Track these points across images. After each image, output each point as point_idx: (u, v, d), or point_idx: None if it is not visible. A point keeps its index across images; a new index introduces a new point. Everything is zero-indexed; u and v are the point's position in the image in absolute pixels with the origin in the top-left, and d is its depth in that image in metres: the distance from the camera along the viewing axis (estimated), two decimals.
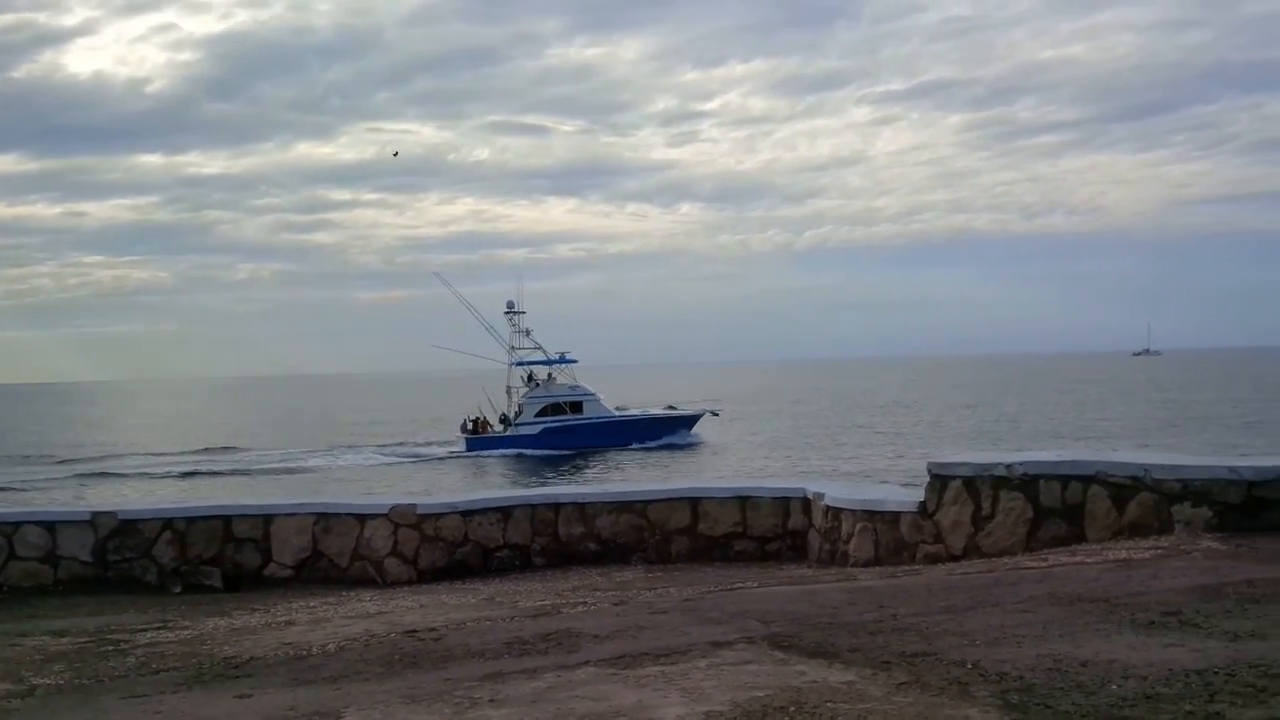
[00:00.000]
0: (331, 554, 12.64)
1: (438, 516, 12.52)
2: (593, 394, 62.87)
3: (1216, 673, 5.42)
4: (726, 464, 54.25)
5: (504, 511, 12.70)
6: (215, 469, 60.26)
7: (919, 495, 11.16)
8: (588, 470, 54.05)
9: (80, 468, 62.02)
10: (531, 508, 12.80)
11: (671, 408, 68.77)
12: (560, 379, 63.73)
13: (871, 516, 11.40)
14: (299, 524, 12.72)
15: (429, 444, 67.54)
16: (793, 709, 5.15)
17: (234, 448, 72.81)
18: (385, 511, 12.60)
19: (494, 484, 49.21)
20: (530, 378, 63.75)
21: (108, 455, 70.44)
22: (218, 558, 12.73)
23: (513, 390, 63.57)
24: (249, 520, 12.84)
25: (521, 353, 63.47)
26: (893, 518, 11.23)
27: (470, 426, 62.94)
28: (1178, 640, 6.09)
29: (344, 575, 12.48)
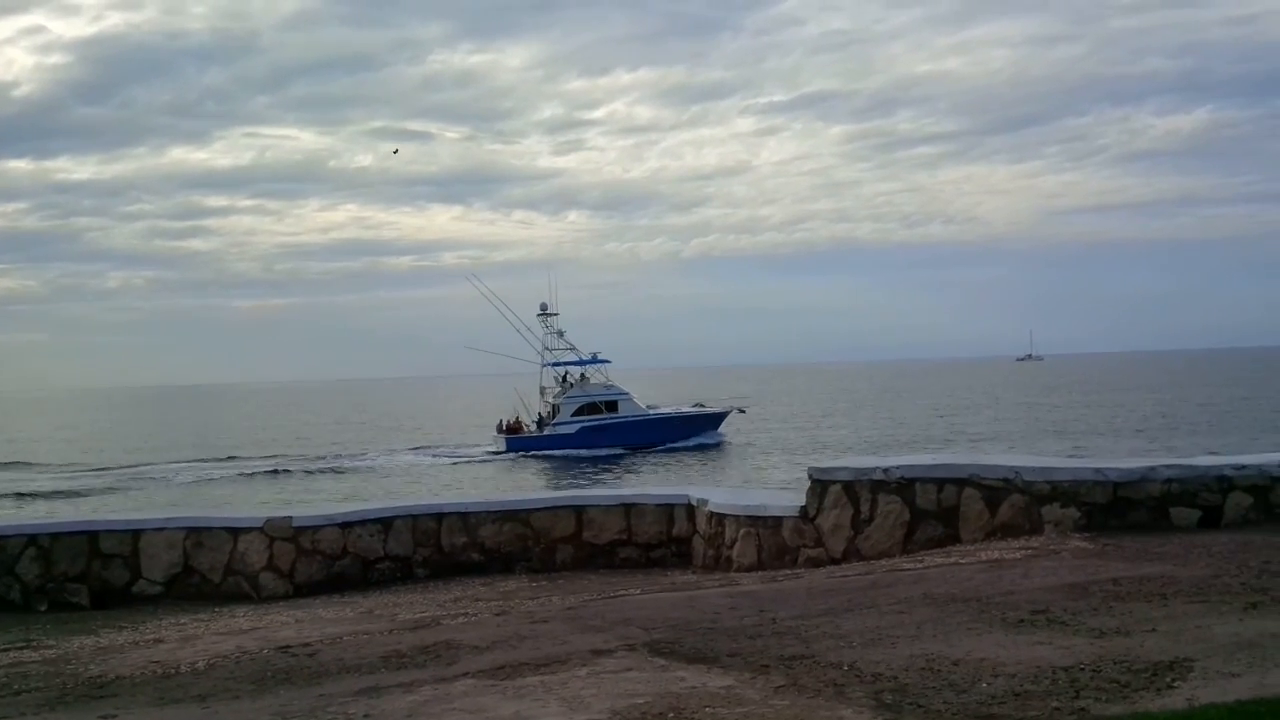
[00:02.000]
0: (203, 569, 12.24)
1: (315, 529, 12.21)
2: (626, 393, 63.09)
3: (1083, 669, 5.57)
4: (767, 461, 54.45)
5: (384, 523, 12.45)
6: (290, 468, 59.27)
7: (801, 500, 11.29)
8: (630, 468, 54.13)
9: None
10: (413, 518, 12.57)
11: (700, 405, 69.30)
12: (594, 379, 63.93)
13: (754, 522, 11.49)
14: (168, 539, 12.29)
15: (474, 445, 66.95)
16: (671, 715, 5.14)
17: (236, 456, 71.05)
18: (259, 525, 12.25)
19: (533, 483, 49.12)
20: (564, 378, 64.08)
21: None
22: (84, 574, 12.23)
23: (546, 390, 63.72)
24: (116, 536, 12.36)
25: (557, 353, 63.64)
26: (775, 522, 11.33)
27: (505, 427, 63.37)
28: (1046, 638, 6.26)
29: (217, 591, 12.10)
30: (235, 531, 12.29)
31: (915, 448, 55.01)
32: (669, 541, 12.61)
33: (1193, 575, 7.67)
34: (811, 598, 7.91)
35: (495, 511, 12.67)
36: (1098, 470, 10.02)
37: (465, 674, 6.18)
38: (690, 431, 63.33)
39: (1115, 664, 5.62)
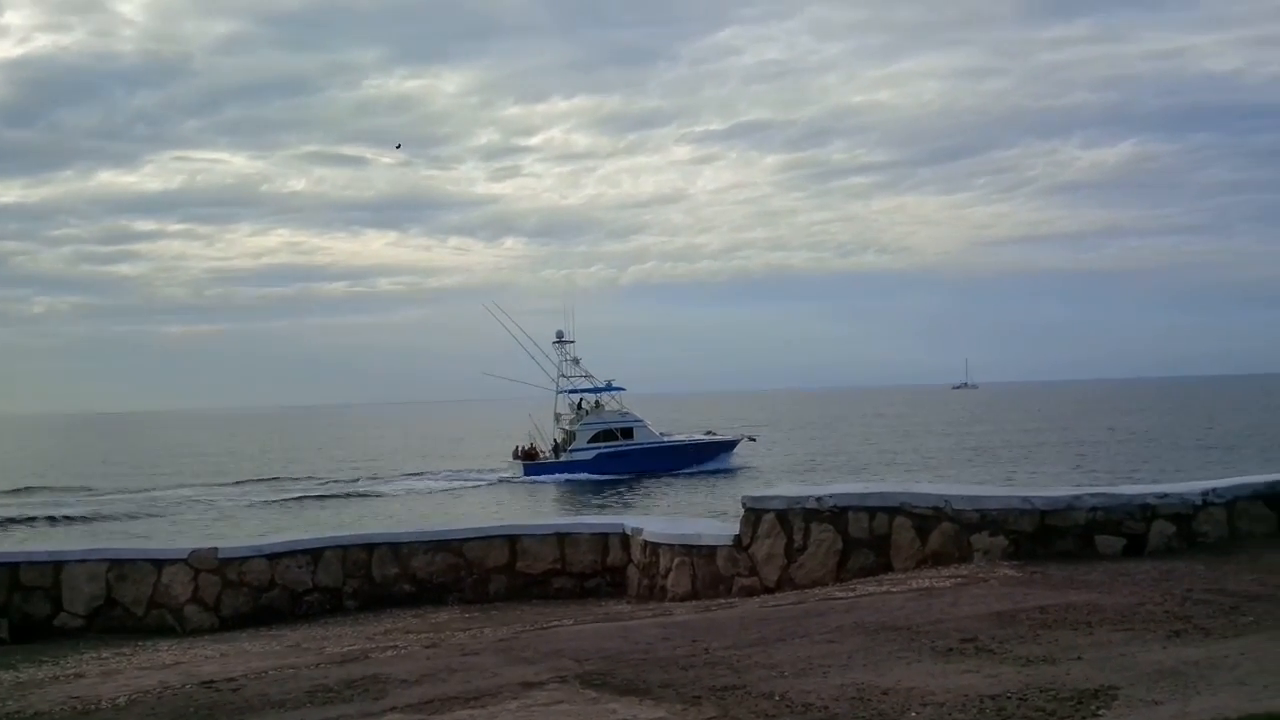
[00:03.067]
0: (126, 602, 11.94)
1: (241, 560, 11.99)
2: (641, 420, 64.09)
3: (1009, 697, 5.63)
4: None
5: (313, 553, 12.25)
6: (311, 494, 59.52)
7: (735, 529, 11.31)
8: (643, 495, 54.05)
9: None
10: (343, 549, 12.39)
11: (710, 433, 70.50)
12: (609, 406, 65.10)
13: (689, 551, 11.49)
14: (90, 571, 11.98)
15: (491, 470, 67.40)
16: None
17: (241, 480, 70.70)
18: (184, 557, 12.00)
19: (546, 510, 49.05)
20: (579, 404, 64.91)
21: None
22: (5, 607, 11.86)
23: (561, 417, 64.50)
24: (37, 568, 12.02)
25: (574, 380, 64.66)
26: (709, 551, 11.34)
27: (521, 453, 63.87)
28: (974, 666, 6.31)
29: (141, 624, 11.81)
30: (159, 563, 12.02)
31: (867, 474, 55.66)
32: (604, 571, 12.56)
33: (1117, 603, 7.79)
34: (744, 627, 7.91)
35: (427, 541, 12.53)
36: (1025, 499, 10.16)
37: (393, 708, 6.08)
38: (703, 458, 64.27)
39: (1041, 692, 5.68)
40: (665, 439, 65.02)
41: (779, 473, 62.79)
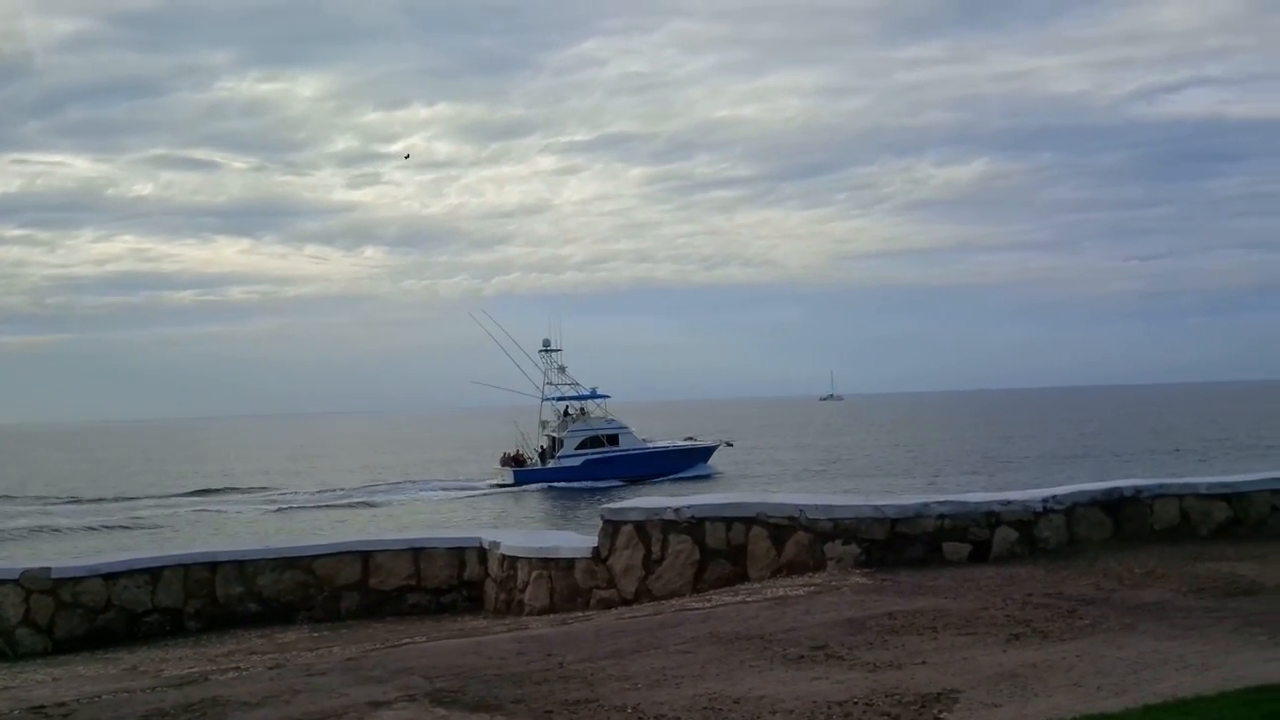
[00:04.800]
0: None
1: (76, 580, 11.38)
2: (627, 427, 65.14)
3: (856, 703, 5.70)
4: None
5: (152, 573, 11.70)
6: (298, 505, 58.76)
7: (594, 541, 11.25)
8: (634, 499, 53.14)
9: None
10: (184, 567, 11.86)
11: (691, 439, 71.92)
12: (594, 413, 66.05)
13: (547, 564, 11.37)
14: None
15: (481, 479, 67.44)
16: None
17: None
18: (15, 577, 11.35)
19: (530, 515, 48.86)
20: (566, 412, 65.69)
21: None
22: None
23: (546, 424, 64.99)
24: None
25: (557, 388, 65.42)
26: (568, 564, 11.25)
27: (509, 459, 64.28)
28: (824, 673, 6.39)
29: None
30: None
31: (718, 486, 56.48)
32: (460, 586, 12.33)
33: (962, 608, 7.99)
34: (600, 640, 7.85)
35: (274, 559, 12.10)
36: (876, 508, 10.36)
37: None
38: (685, 464, 66.02)
39: (887, 697, 5.77)
40: (649, 445, 66.51)
41: (765, 478, 64.72)
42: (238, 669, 8.03)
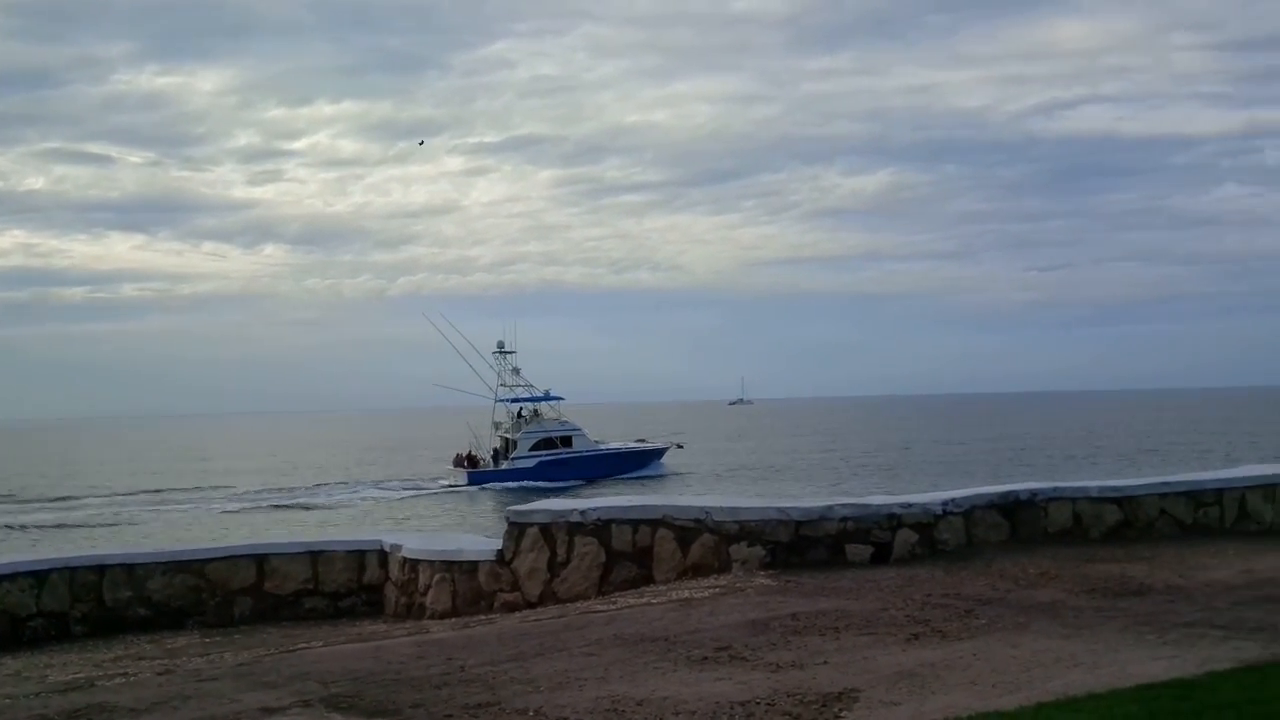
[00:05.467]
0: None
1: None
2: (580, 429, 65.46)
3: (758, 703, 5.71)
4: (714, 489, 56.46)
5: (37, 576, 11.24)
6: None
7: (498, 544, 11.12)
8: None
9: None
10: (71, 570, 11.43)
11: (642, 440, 72.68)
12: (547, 414, 66.07)
13: (450, 567, 11.22)
14: None
15: (433, 479, 67.23)
16: None
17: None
18: None
19: (483, 517, 47.37)
20: (520, 413, 65.75)
21: None
22: None
23: (499, 425, 64.96)
24: None
25: (511, 390, 65.49)
26: (471, 567, 11.11)
27: (462, 460, 64.36)
28: (727, 674, 6.38)
29: None
30: None
31: (628, 488, 56.67)
32: (360, 590, 12.10)
33: (863, 609, 8.07)
34: (502, 643, 7.76)
35: (165, 562, 11.73)
36: (781, 510, 10.42)
37: None
38: (638, 464, 66.92)
39: (789, 697, 5.78)
40: (603, 447, 67.04)
41: (711, 475, 66.07)
42: (125, 675, 7.76)
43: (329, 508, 56.89)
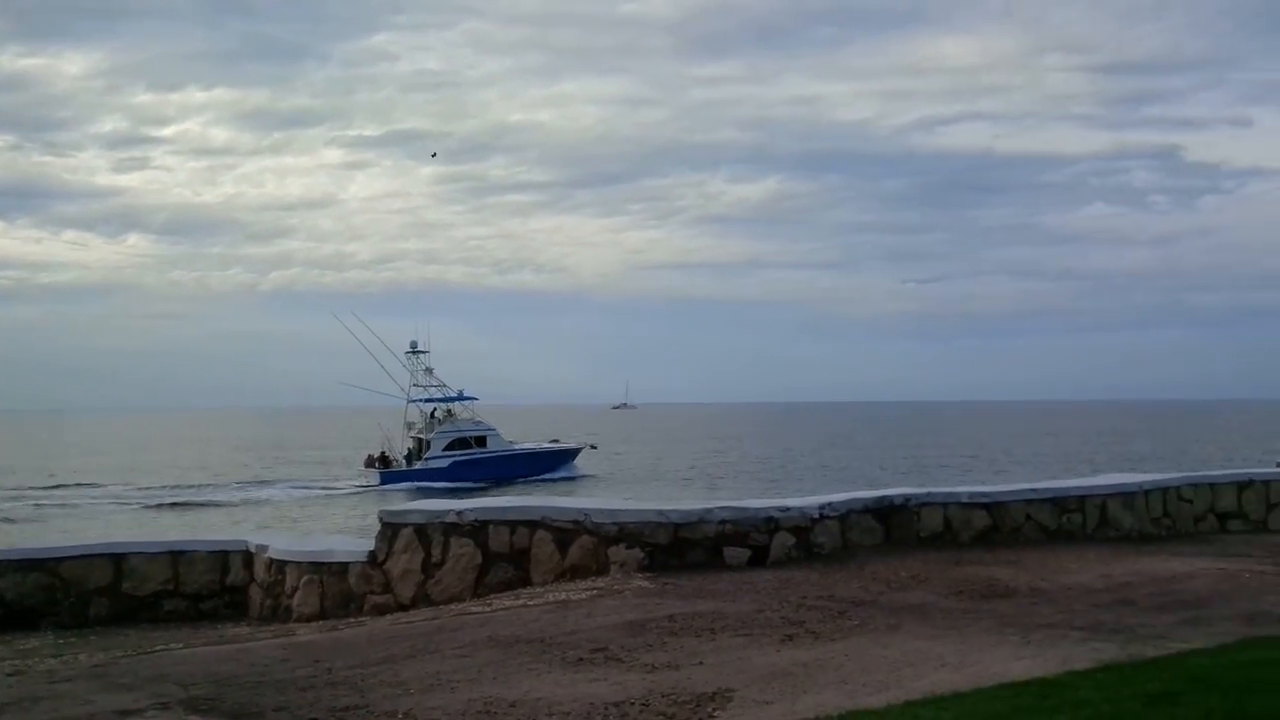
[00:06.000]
0: None
1: None
2: (494, 429, 64.55)
3: (633, 703, 5.67)
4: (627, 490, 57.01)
5: None
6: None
7: (370, 544, 10.88)
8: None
9: None
10: None
11: (556, 441, 71.77)
12: (461, 415, 65.03)
13: (318, 568, 10.92)
14: None
15: (341, 480, 65.52)
16: None
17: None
18: None
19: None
20: (433, 414, 64.65)
21: None
22: None
23: (412, 425, 63.74)
24: None
25: (425, 390, 64.17)
26: (341, 569, 10.84)
27: (374, 461, 62.85)
28: (602, 675, 6.33)
29: None
30: None
31: (510, 491, 56.41)
32: (223, 591, 11.70)
33: (739, 610, 8.11)
34: (372, 645, 7.58)
35: (17, 560, 11.19)
36: (660, 512, 10.42)
37: None
38: (552, 465, 66.55)
39: (663, 697, 5.76)
40: (517, 447, 66.46)
41: (623, 477, 66.27)
42: None
43: (233, 505, 55.43)
